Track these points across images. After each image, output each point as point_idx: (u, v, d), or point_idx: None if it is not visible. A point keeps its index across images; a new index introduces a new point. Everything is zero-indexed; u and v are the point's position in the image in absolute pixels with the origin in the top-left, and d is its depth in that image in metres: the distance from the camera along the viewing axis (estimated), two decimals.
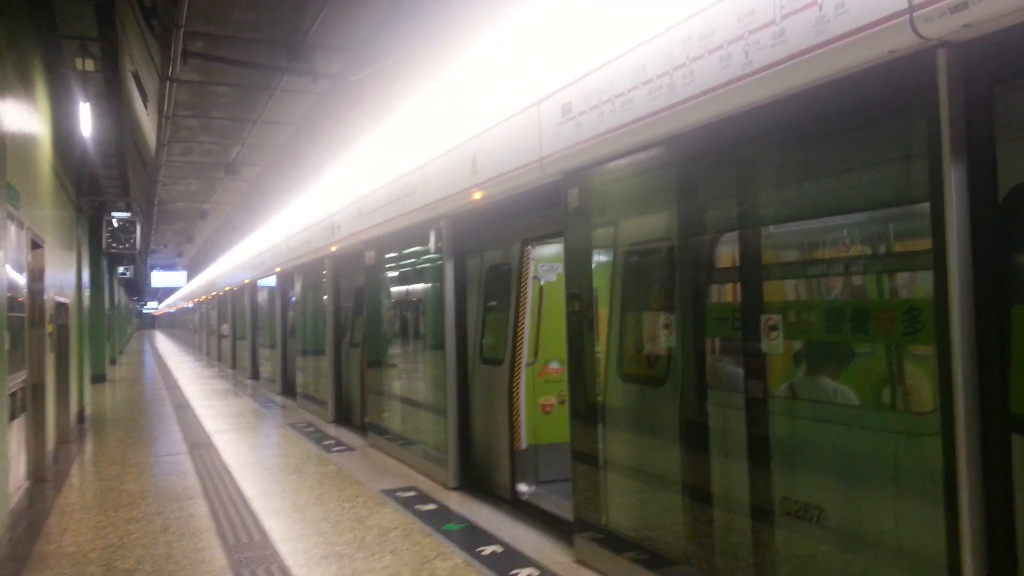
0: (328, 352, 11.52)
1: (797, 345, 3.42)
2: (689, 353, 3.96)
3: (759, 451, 3.47)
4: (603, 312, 4.70)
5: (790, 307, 3.39)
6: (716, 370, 3.92)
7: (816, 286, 3.38)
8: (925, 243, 2.67)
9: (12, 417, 5.66)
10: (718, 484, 3.75)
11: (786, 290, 3.55)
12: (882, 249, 3.15)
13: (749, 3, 3.13)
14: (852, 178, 3.12)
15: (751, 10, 3.12)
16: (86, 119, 8.31)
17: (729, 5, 3.25)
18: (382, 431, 8.85)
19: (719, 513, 3.75)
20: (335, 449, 9.00)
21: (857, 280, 3.20)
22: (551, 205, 5.16)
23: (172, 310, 66.36)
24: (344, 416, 11.31)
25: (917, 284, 2.90)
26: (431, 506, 6.23)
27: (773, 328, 3.36)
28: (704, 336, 3.89)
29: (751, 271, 3.55)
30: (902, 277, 3.02)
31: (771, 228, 3.56)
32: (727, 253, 3.85)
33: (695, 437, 3.92)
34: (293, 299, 14.56)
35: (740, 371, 3.69)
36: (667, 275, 4.21)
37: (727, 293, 3.91)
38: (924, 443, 2.80)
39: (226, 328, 25.10)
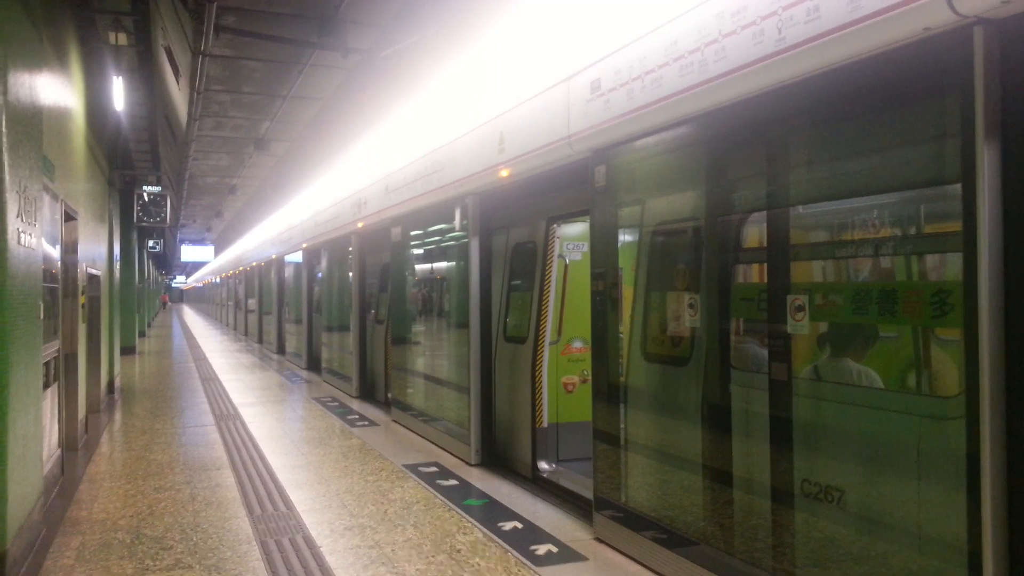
0: (353, 328, 11.62)
1: (823, 326, 3.40)
2: (713, 333, 3.95)
3: (781, 432, 3.47)
4: (627, 291, 4.70)
5: (817, 288, 3.37)
6: (740, 351, 3.91)
7: (844, 267, 3.35)
8: (956, 225, 2.63)
9: (45, 386, 5.78)
10: (739, 465, 3.75)
11: (813, 271, 3.52)
12: (912, 230, 3.11)
13: None
14: (884, 158, 3.08)
15: None
16: (119, 93, 8.39)
17: None
18: (405, 407, 8.93)
19: (739, 494, 3.75)
20: (359, 424, 9.10)
21: (886, 262, 3.17)
22: (578, 183, 5.15)
23: (200, 284, 67.28)
24: (368, 392, 11.42)
25: (947, 266, 2.87)
26: (452, 481, 6.29)
27: (799, 309, 3.34)
28: (729, 317, 3.88)
29: (778, 251, 3.52)
30: (932, 259, 2.99)
31: (800, 208, 3.53)
32: (754, 233, 3.83)
33: (717, 417, 3.92)
34: (319, 275, 14.69)
35: (764, 352, 3.67)
36: (693, 255, 4.19)
37: (753, 273, 3.90)
38: (949, 427, 2.78)
39: (253, 303, 25.40)
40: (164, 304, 66.38)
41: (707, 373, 4.01)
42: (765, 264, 3.65)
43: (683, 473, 4.20)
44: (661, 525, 4.25)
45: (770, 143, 3.57)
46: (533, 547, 4.69)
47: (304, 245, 15.24)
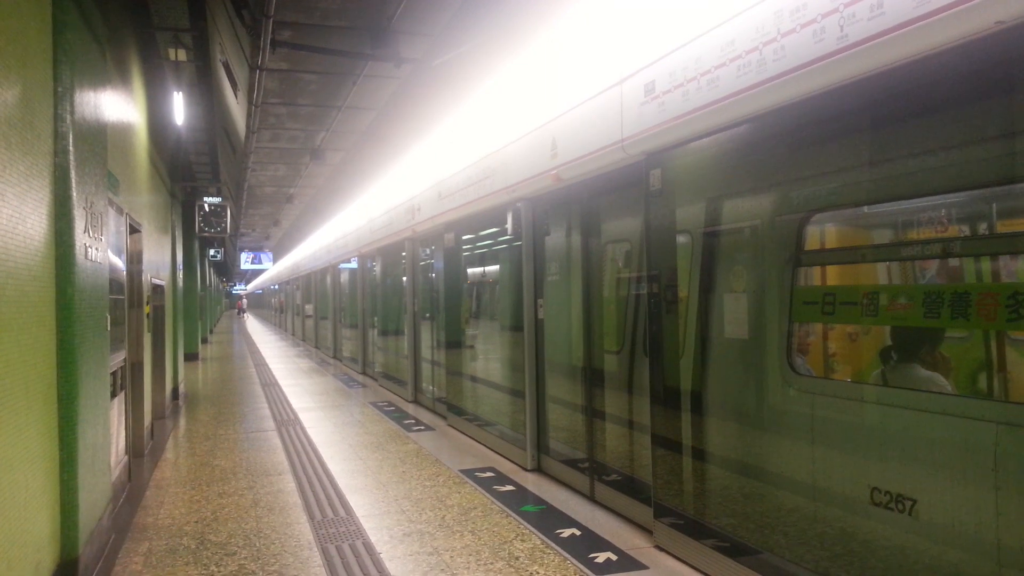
0: (408, 333, 11.71)
1: (891, 330, 3.29)
2: (773, 336, 3.86)
3: (845, 438, 3.36)
4: (682, 295, 4.63)
5: (883, 290, 3.27)
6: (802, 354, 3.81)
7: (911, 269, 3.24)
8: None
9: (112, 395, 5.95)
10: (803, 471, 3.65)
11: (879, 272, 3.42)
12: (983, 230, 3.00)
13: None
14: (952, 155, 2.97)
15: None
16: (179, 108, 8.62)
17: None
18: (460, 412, 8.96)
19: (803, 502, 3.65)
20: (415, 428, 9.16)
21: (955, 263, 3.05)
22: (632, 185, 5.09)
23: (259, 291, 68.80)
24: (423, 396, 11.49)
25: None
26: (509, 487, 6.28)
27: (864, 312, 3.24)
28: (791, 320, 3.78)
29: (843, 252, 3.43)
30: (1007, 260, 2.87)
31: (864, 208, 3.43)
32: (816, 234, 3.73)
33: (776, 422, 3.82)
34: (374, 281, 14.86)
35: (831, 356, 3.57)
36: (752, 257, 4.10)
37: (815, 276, 3.79)
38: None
39: (309, 308, 25.86)
40: (240, 311, 67.54)
41: (766, 377, 3.92)
42: (830, 266, 3.55)
43: (743, 479, 4.11)
44: (723, 533, 4.17)
45: (833, 142, 3.48)
46: (592, 555, 4.64)
47: (358, 251, 15.44)
